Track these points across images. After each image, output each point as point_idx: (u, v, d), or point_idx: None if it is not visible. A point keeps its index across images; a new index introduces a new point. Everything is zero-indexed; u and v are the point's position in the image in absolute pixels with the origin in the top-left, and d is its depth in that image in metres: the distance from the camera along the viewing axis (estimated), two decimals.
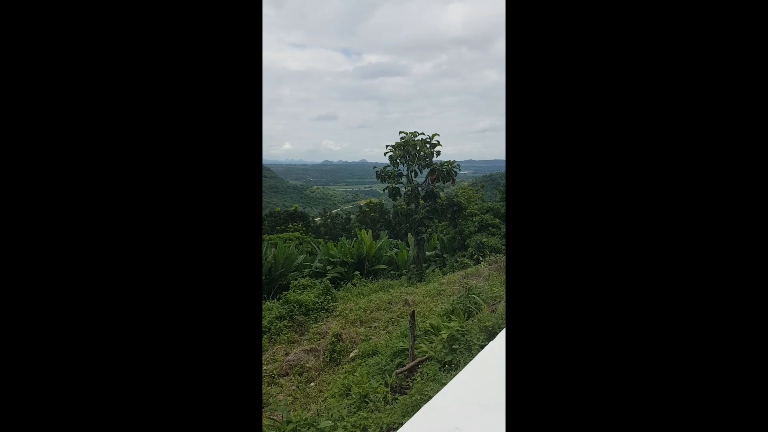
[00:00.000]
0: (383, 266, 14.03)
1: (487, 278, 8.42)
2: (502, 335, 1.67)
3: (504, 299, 5.25)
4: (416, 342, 5.08)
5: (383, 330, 7.95)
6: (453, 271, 11.98)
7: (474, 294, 5.79)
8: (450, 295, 7.84)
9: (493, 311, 4.88)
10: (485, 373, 1.39)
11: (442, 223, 15.97)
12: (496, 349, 1.57)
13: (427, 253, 14.97)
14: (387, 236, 16.36)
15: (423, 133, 14.60)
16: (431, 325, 5.37)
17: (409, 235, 14.94)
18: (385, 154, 14.70)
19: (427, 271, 13.04)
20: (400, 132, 14.68)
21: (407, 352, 5.12)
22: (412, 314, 5.11)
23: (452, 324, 4.71)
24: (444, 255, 15.12)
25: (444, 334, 4.47)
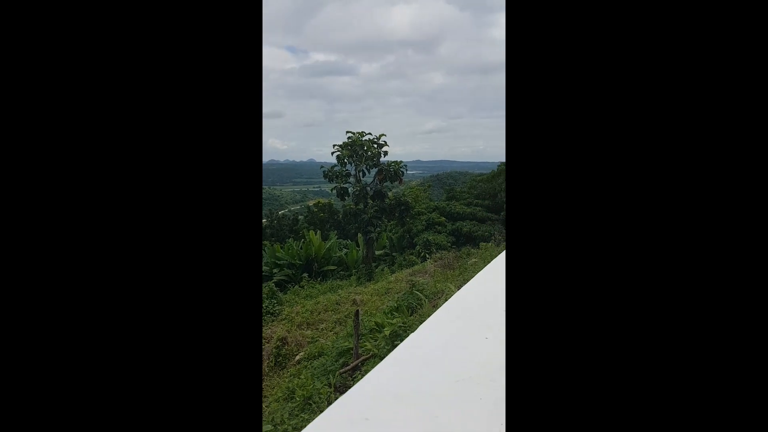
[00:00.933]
0: (333, 267, 13.89)
1: (432, 275, 8.65)
2: (422, 327, 1.73)
3: (445, 294, 5.43)
4: (361, 340, 5.10)
5: (330, 331, 7.88)
6: (401, 269, 12.17)
7: (417, 291, 5.92)
8: (397, 293, 7.95)
9: (434, 306, 5.03)
10: (402, 365, 1.42)
11: (391, 222, 16.15)
12: (417, 340, 1.61)
13: (377, 253, 15.07)
14: (336, 237, 16.24)
15: (370, 133, 14.68)
16: (376, 323, 5.42)
17: (359, 234, 14.94)
18: (332, 153, 14.58)
19: (377, 270, 13.12)
20: (347, 132, 14.64)
21: (352, 352, 5.13)
22: (356, 313, 5.13)
23: (395, 321, 4.79)
24: (393, 254, 15.30)
25: (387, 331, 4.53)
